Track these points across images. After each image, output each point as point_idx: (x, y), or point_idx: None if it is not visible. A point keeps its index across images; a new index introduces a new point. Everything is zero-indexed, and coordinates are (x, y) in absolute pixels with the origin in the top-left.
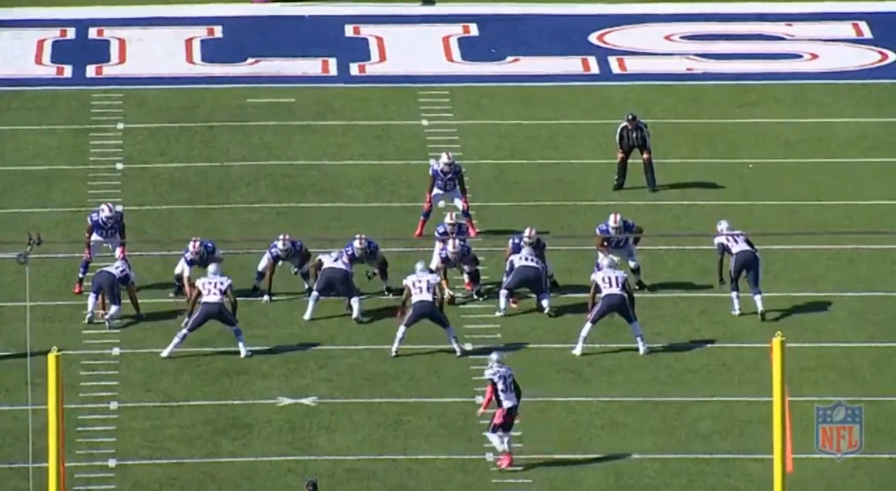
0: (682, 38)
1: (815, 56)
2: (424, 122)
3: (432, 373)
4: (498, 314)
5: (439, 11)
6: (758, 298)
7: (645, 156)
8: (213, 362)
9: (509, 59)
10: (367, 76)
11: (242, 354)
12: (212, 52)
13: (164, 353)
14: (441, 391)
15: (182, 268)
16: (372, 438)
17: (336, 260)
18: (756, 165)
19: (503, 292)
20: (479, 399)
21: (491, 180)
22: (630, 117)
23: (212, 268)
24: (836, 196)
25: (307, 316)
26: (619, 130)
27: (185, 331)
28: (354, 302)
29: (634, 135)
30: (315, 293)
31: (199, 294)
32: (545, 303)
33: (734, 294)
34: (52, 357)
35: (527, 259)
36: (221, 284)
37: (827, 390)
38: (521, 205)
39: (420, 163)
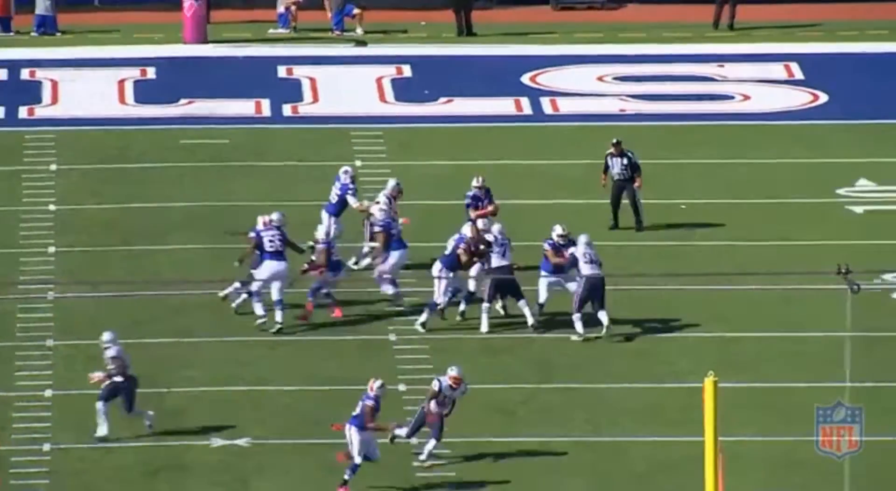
0: (615, 79)
1: (746, 97)
2: (358, 163)
3: None
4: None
5: (372, 53)
6: (602, 314)
7: (636, 184)
8: (146, 403)
9: (442, 100)
10: (300, 117)
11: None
12: (144, 93)
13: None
14: None
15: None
16: (306, 479)
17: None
18: (689, 205)
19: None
20: (414, 440)
21: (425, 220)
22: (615, 142)
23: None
24: (770, 236)
25: (484, 328)
26: (605, 158)
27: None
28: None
29: (620, 161)
30: (486, 305)
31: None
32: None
33: (578, 317)
34: None
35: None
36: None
37: (759, 430)
38: None
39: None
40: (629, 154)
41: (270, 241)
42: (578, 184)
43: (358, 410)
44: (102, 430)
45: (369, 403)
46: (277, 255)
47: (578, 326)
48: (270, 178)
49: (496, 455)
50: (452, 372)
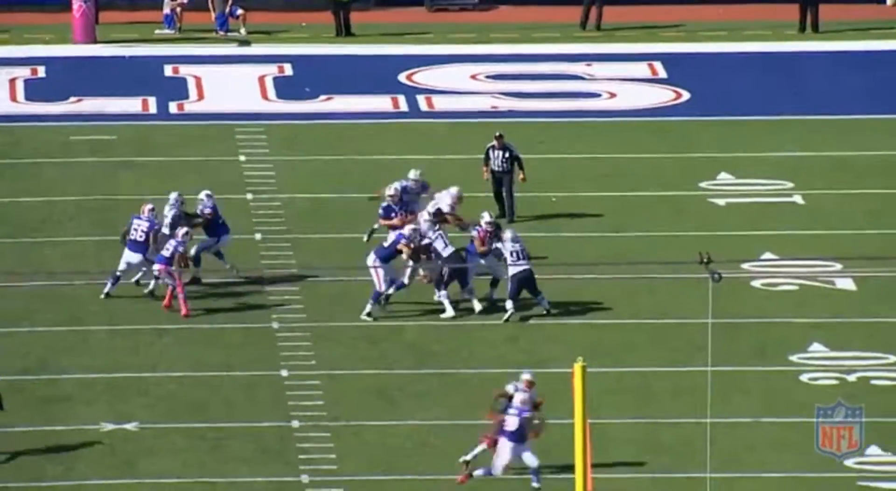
0: (487, 77)
1: (613, 95)
2: (242, 158)
3: (250, 398)
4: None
5: (255, 52)
6: (542, 298)
7: (520, 177)
8: (37, 389)
9: (322, 97)
10: (186, 114)
11: None
12: (35, 91)
13: None
14: (258, 415)
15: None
16: (192, 462)
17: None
18: (559, 198)
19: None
20: (296, 423)
21: (306, 213)
22: (497, 135)
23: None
24: (635, 228)
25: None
26: (486, 149)
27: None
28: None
29: (502, 154)
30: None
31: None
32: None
33: (511, 304)
34: None
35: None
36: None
37: (627, 413)
38: (336, 238)
39: (238, 197)
40: (510, 148)
41: (135, 229)
42: (454, 178)
43: (514, 426)
44: None
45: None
46: (136, 245)
47: (510, 308)
48: (156, 172)
49: (376, 437)
50: (526, 376)
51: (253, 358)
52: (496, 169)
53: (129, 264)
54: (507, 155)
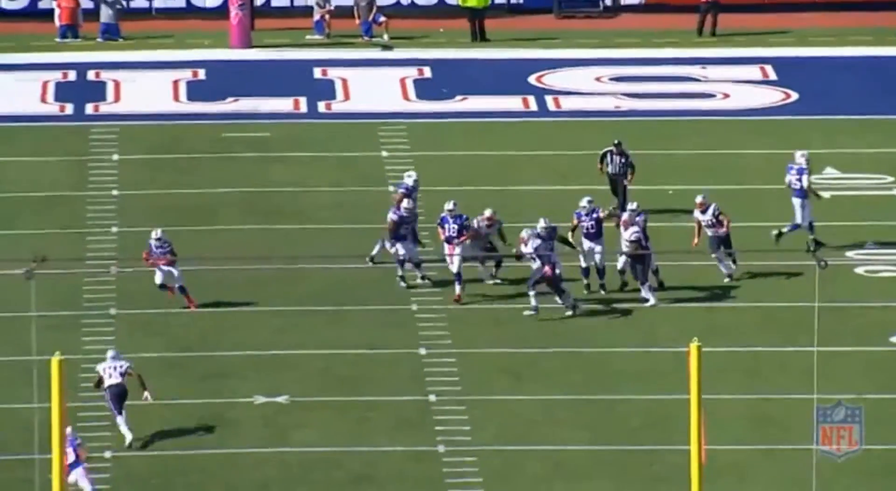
0: (611, 79)
1: (726, 95)
2: (384, 154)
3: (391, 374)
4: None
5: (397, 56)
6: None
7: (626, 181)
8: (197, 366)
9: (458, 98)
10: (333, 113)
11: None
12: (195, 92)
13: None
14: (398, 390)
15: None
16: (337, 433)
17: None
18: (675, 191)
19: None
20: (432, 397)
21: (442, 203)
22: (616, 142)
23: (110, 352)
24: (747, 218)
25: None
26: (602, 153)
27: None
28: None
29: (619, 159)
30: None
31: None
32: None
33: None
34: (55, 361)
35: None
36: (121, 367)
37: (738, 389)
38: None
39: (379, 189)
40: (627, 154)
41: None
42: (578, 173)
43: None
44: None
45: None
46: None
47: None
48: (306, 167)
49: (506, 411)
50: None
51: (394, 338)
52: (613, 172)
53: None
54: (623, 160)
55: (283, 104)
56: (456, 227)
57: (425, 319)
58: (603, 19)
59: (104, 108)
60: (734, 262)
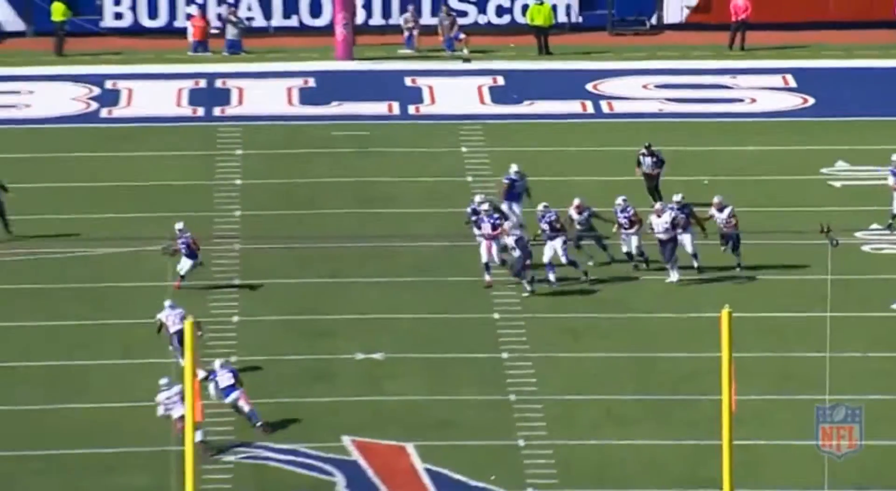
0: (656, 86)
1: (753, 100)
2: (464, 150)
3: (470, 334)
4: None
5: (475, 67)
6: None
7: (658, 174)
8: (307, 326)
9: (526, 102)
10: (421, 115)
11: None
12: (306, 97)
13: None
14: (476, 348)
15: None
16: (424, 384)
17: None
18: (710, 181)
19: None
20: (505, 354)
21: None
22: (647, 145)
23: (168, 302)
24: (770, 204)
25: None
26: (637, 156)
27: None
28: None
29: (650, 160)
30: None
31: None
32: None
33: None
34: (188, 323)
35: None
36: (179, 314)
37: (762, 349)
38: (532, 210)
39: (460, 179)
40: (657, 154)
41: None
42: (628, 166)
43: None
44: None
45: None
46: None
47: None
48: (398, 160)
49: (567, 366)
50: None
51: (472, 305)
52: (648, 171)
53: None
54: (654, 159)
55: (379, 108)
56: (490, 224)
57: (498, 289)
58: (649, 36)
59: (229, 111)
60: (738, 264)
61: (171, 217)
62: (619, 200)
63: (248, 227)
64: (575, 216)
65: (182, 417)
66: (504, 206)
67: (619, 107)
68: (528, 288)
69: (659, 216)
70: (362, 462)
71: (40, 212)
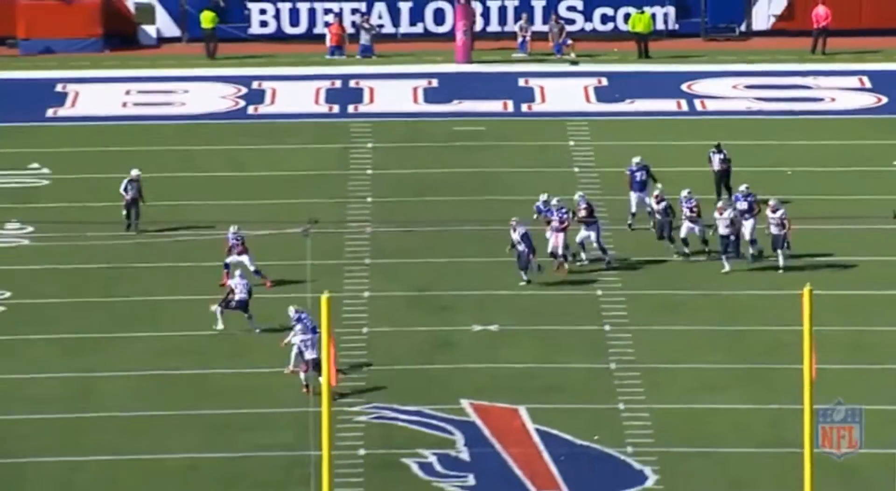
0: (745, 86)
1: (833, 99)
2: (571, 143)
3: (576, 308)
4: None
5: (581, 69)
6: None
7: (726, 170)
8: (429, 302)
9: (627, 101)
10: (532, 112)
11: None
12: (430, 95)
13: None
14: (581, 321)
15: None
16: (534, 353)
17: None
18: (793, 172)
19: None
20: (607, 327)
21: (619, 180)
22: (717, 144)
23: (238, 270)
24: (847, 193)
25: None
26: (708, 154)
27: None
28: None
29: (718, 157)
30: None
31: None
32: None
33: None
34: (324, 298)
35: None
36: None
37: (840, 324)
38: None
39: (567, 170)
40: (724, 152)
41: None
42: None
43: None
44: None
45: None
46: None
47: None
48: (512, 152)
49: (660, 337)
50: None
51: (577, 282)
52: (717, 168)
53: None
54: (723, 156)
55: (495, 105)
56: (558, 218)
57: (601, 267)
58: (739, 41)
59: (361, 108)
60: (782, 265)
61: (309, 203)
62: (685, 193)
63: (378, 213)
64: (655, 206)
65: (312, 360)
66: (632, 197)
67: (711, 105)
68: (525, 277)
69: (721, 213)
70: (479, 422)
71: (194, 198)
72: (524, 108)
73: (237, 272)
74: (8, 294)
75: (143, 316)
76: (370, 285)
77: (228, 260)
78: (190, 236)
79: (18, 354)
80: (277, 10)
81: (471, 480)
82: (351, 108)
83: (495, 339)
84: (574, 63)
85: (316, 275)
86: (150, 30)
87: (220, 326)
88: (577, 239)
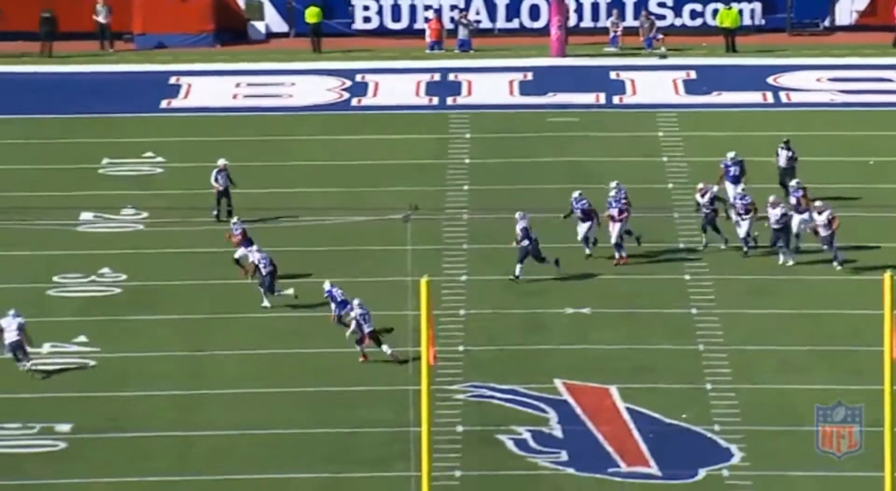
0: (828, 80)
1: None
2: (660, 134)
3: (664, 291)
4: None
5: (671, 63)
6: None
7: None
8: (521, 287)
9: (715, 93)
10: (623, 104)
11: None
12: (525, 88)
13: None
14: (669, 305)
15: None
16: (624, 335)
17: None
18: (875, 162)
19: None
20: (694, 310)
21: (707, 169)
22: (785, 140)
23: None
24: None
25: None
26: (776, 149)
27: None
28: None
29: (786, 153)
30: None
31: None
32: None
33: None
34: (423, 281)
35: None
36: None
37: None
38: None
39: (657, 159)
40: (792, 149)
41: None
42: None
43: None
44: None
45: None
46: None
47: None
48: (603, 143)
49: (734, 322)
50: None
51: (665, 268)
52: (783, 165)
53: None
54: (790, 154)
55: (588, 98)
56: (617, 209)
57: (689, 252)
58: (823, 36)
59: (460, 100)
60: (836, 260)
61: (410, 191)
62: (739, 189)
63: (475, 200)
64: (699, 199)
65: (371, 332)
66: (729, 189)
67: (796, 97)
68: (517, 273)
69: (773, 208)
70: (571, 401)
71: (299, 186)
72: (615, 100)
73: (253, 248)
74: (124, 276)
75: (247, 299)
76: (468, 269)
77: (237, 255)
78: (291, 223)
79: (135, 334)
80: (380, 6)
81: (563, 456)
82: (450, 101)
83: (587, 321)
84: (663, 57)
85: (416, 259)
86: (259, 25)
87: (266, 303)
88: (579, 236)
